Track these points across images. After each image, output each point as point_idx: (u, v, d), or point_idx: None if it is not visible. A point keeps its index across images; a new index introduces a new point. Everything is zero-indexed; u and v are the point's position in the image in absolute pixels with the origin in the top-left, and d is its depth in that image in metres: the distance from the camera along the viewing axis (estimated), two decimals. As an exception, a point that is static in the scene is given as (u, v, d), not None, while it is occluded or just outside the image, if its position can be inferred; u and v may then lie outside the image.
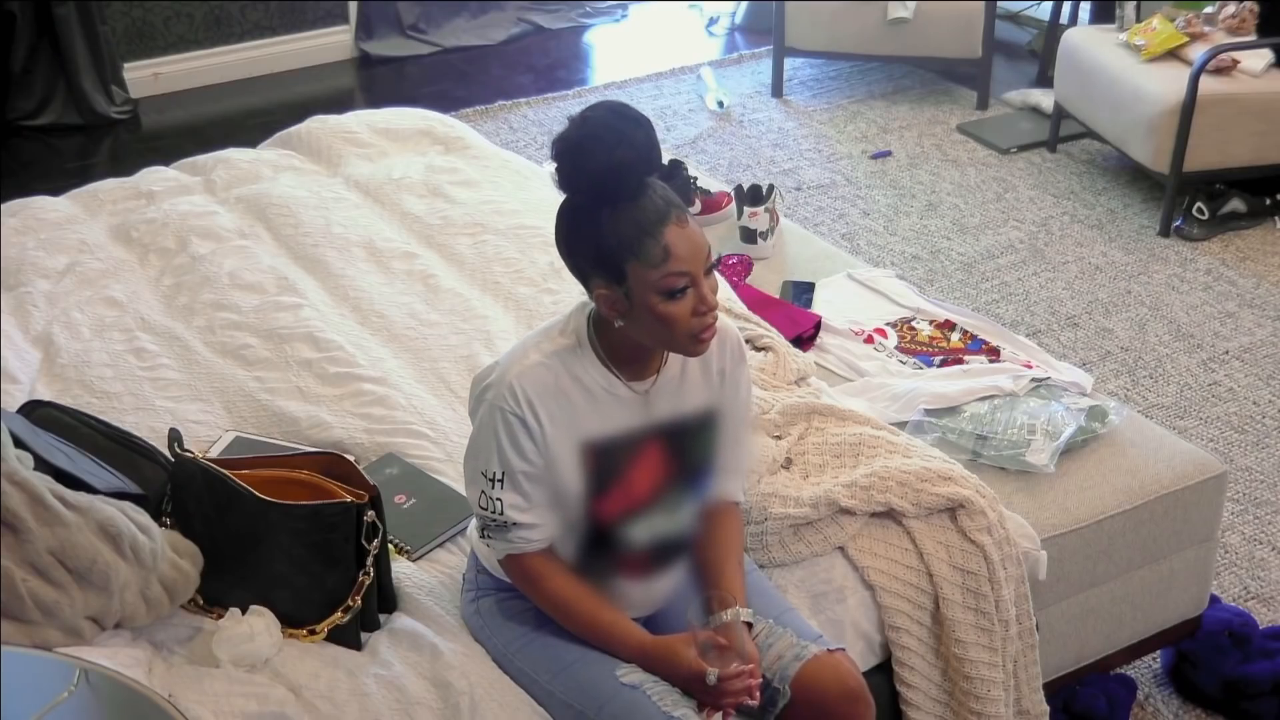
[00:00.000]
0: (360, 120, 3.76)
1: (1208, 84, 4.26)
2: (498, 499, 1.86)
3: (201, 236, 3.12)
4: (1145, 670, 2.84)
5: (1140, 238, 4.46)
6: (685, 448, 1.94)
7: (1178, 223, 4.46)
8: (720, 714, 1.92)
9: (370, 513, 1.98)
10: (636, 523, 1.92)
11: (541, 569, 1.92)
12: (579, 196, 1.78)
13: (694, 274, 1.78)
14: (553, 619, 1.97)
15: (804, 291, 3.03)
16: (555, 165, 1.78)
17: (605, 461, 1.88)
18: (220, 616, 1.99)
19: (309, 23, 5.86)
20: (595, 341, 1.87)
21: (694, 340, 1.81)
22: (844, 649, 2.05)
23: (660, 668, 1.92)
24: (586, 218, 1.78)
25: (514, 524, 1.87)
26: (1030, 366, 2.73)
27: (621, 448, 1.89)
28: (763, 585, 2.12)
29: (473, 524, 2.00)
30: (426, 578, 2.15)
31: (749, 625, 1.95)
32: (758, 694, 1.90)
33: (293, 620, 1.99)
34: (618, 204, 1.75)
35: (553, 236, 3.12)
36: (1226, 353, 3.85)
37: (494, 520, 1.88)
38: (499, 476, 1.85)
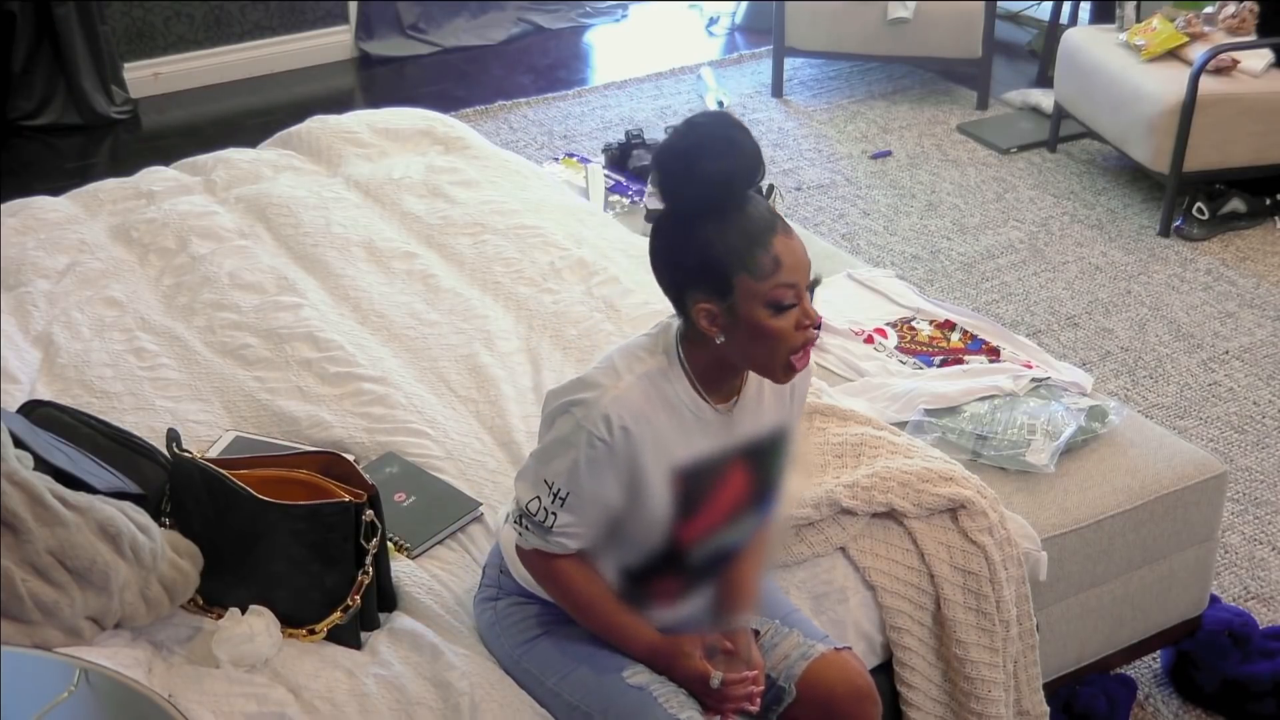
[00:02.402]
0: (360, 120, 3.76)
1: (1208, 84, 4.26)
2: (553, 513, 1.82)
3: (201, 236, 3.12)
4: (1145, 670, 2.84)
5: (1140, 238, 4.46)
6: (764, 466, 1.92)
7: (1178, 223, 4.46)
8: (719, 718, 1.91)
9: (369, 512, 1.98)
10: (709, 542, 1.90)
11: (563, 565, 1.90)
12: (684, 206, 1.73)
13: (800, 287, 1.74)
14: (563, 621, 1.96)
15: (804, 291, 3.02)
16: (658, 175, 1.72)
17: (693, 485, 1.84)
18: (220, 616, 1.99)
19: (309, 23, 5.86)
20: (685, 362, 1.82)
21: (789, 362, 1.76)
22: (849, 648, 2.05)
23: (665, 665, 1.92)
24: (691, 229, 1.72)
25: (556, 532, 1.84)
26: (1030, 366, 2.73)
27: (708, 470, 1.85)
28: (769, 587, 2.11)
29: (507, 519, 1.97)
30: (426, 577, 2.14)
31: (756, 632, 1.95)
32: (758, 701, 1.90)
33: (292, 620, 1.99)
34: (725, 214, 1.71)
35: (552, 237, 3.11)
36: (1226, 353, 3.85)
37: (538, 522, 1.84)
38: (563, 495, 1.80)
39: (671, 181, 1.71)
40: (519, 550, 1.93)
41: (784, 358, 1.76)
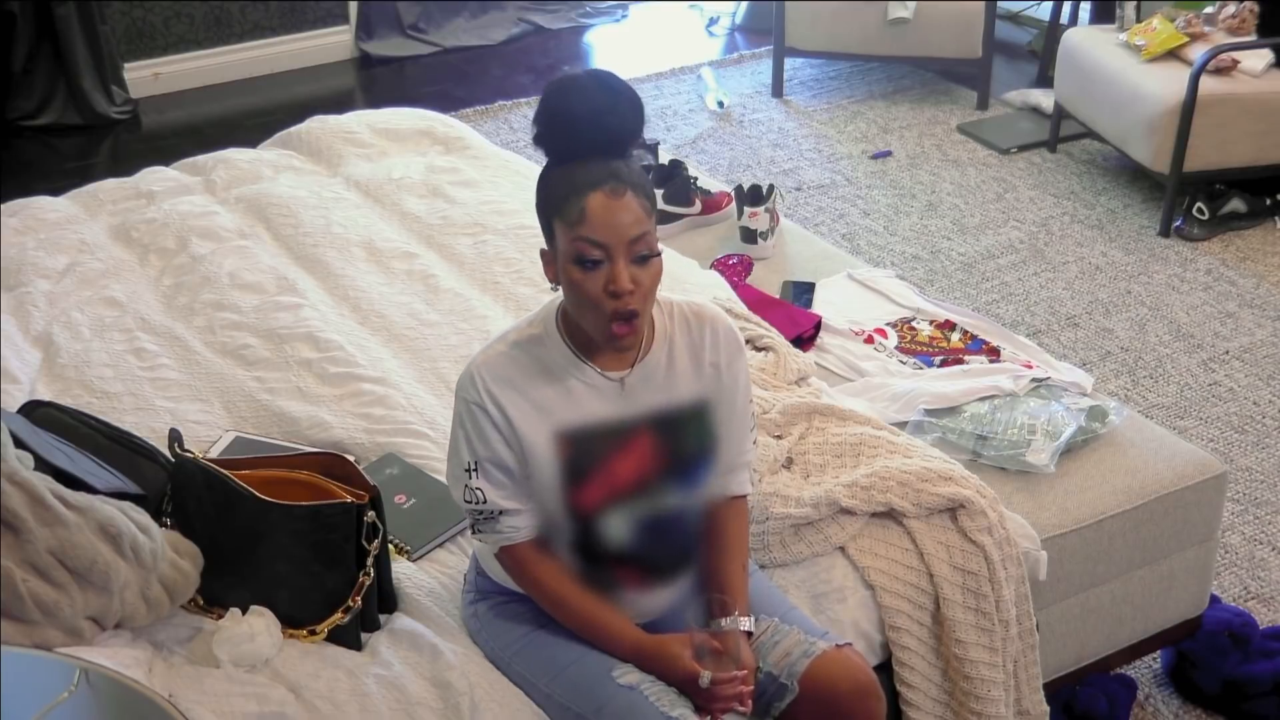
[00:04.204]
0: (360, 120, 3.76)
1: (1208, 84, 4.26)
2: (477, 489, 1.87)
3: (201, 236, 3.12)
4: (1145, 670, 2.84)
5: (1140, 238, 4.46)
6: (677, 438, 1.93)
7: (1178, 223, 4.46)
8: (710, 718, 1.92)
9: (370, 513, 1.98)
10: (619, 513, 1.90)
11: (537, 562, 1.92)
12: (543, 146, 1.80)
13: (610, 248, 1.74)
14: (549, 620, 1.97)
15: (804, 291, 3.03)
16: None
17: (582, 450, 1.87)
18: (220, 616, 1.99)
19: (309, 23, 5.86)
20: (562, 330, 1.87)
21: (605, 323, 1.77)
22: (850, 644, 2.04)
23: (654, 666, 1.92)
24: (546, 171, 1.81)
25: (500, 512, 1.88)
26: (1030, 366, 2.73)
27: (600, 436, 1.87)
28: (766, 586, 2.12)
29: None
30: (426, 578, 2.15)
31: (749, 634, 1.95)
32: (749, 701, 1.90)
33: (293, 620, 1.99)
34: (567, 160, 1.76)
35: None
36: (1226, 353, 3.85)
37: (480, 512, 1.89)
38: (472, 466, 1.87)
39: (535, 118, 1.78)
40: (498, 558, 1.96)
41: (599, 320, 1.78)
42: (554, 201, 1.77)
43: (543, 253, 1.84)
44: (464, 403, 1.86)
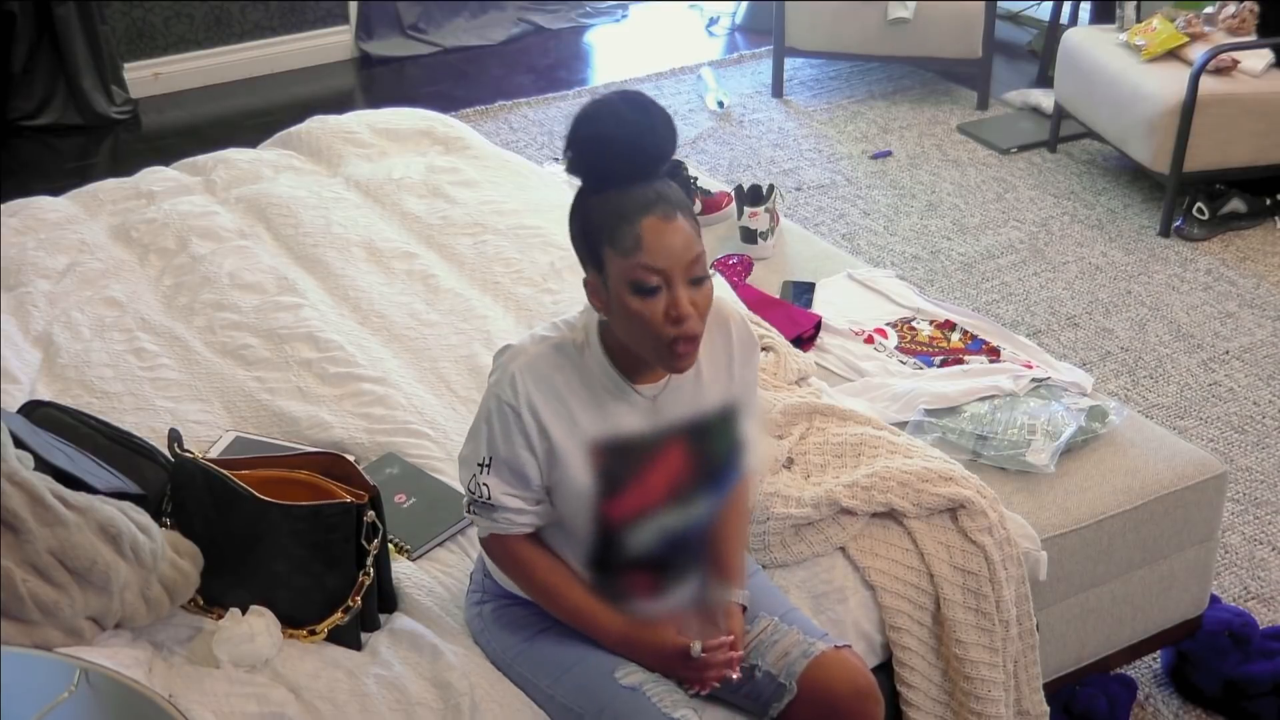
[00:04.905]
0: (360, 120, 3.76)
1: (1208, 84, 4.26)
2: (485, 484, 1.86)
3: (201, 236, 3.12)
4: (1145, 670, 2.84)
5: (1140, 238, 4.46)
6: (707, 447, 1.92)
7: (1178, 223, 4.46)
8: (701, 690, 1.92)
9: (370, 513, 1.98)
10: (650, 523, 1.90)
11: (524, 550, 1.92)
12: (577, 173, 1.76)
13: (668, 273, 1.72)
14: (553, 623, 1.97)
15: (804, 291, 3.03)
16: (566, 144, 1.76)
17: (616, 462, 1.86)
18: (220, 616, 1.99)
19: (309, 23, 5.86)
20: (604, 341, 1.84)
21: (667, 350, 1.75)
22: (849, 646, 2.05)
23: (642, 648, 1.92)
24: (581, 200, 1.77)
25: (500, 506, 1.87)
26: (1030, 366, 2.73)
27: (634, 449, 1.87)
28: (766, 585, 2.12)
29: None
30: (426, 578, 2.15)
31: (743, 608, 1.95)
32: (737, 667, 1.90)
33: (293, 621, 1.99)
34: (605, 186, 1.73)
35: (553, 237, 3.13)
36: (1226, 353, 3.85)
37: (481, 500, 1.88)
38: (487, 462, 1.86)
39: (567, 147, 1.74)
40: (482, 542, 1.95)
41: (659, 346, 1.75)
42: (602, 230, 1.73)
43: (587, 282, 1.80)
44: (497, 400, 1.83)
